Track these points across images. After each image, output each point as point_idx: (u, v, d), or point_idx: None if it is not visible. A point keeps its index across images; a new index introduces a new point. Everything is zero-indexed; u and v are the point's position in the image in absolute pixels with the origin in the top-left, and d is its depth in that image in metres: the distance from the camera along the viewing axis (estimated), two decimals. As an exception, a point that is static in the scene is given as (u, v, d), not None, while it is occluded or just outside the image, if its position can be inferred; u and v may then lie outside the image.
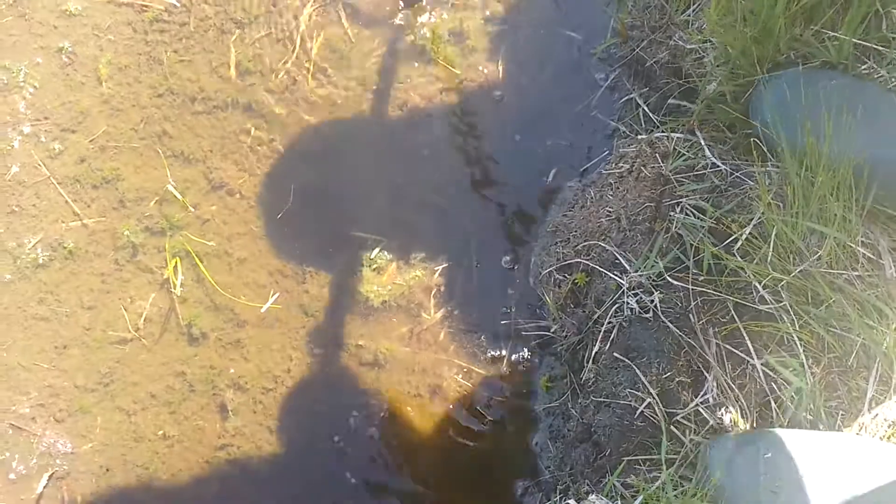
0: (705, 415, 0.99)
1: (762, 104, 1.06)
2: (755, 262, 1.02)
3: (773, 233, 0.99)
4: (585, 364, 1.14)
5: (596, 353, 1.12)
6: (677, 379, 1.02)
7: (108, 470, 1.18)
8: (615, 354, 1.09)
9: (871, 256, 1.00)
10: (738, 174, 1.13)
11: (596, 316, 1.14)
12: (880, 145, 0.96)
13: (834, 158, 0.95)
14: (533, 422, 1.18)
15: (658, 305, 1.07)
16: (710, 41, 1.17)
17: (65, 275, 1.27)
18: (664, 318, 1.06)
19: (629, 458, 1.00)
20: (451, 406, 1.20)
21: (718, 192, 1.14)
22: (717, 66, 1.14)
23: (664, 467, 0.94)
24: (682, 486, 0.93)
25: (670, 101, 1.25)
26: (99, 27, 1.40)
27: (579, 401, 1.13)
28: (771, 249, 1.00)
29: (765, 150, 1.09)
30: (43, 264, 1.28)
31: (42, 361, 1.24)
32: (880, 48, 1.06)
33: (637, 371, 1.04)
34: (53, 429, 1.20)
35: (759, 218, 1.05)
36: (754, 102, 1.08)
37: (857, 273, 0.99)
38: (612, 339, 1.10)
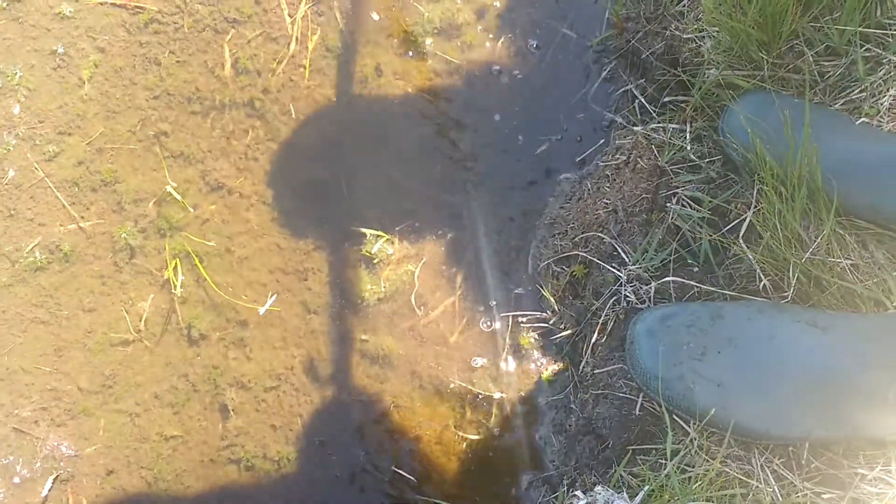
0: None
1: (728, 125, 1.08)
2: (759, 249, 1.03)
3: (776, 217, 1.00)
4: (583, 356, 1.14)
5: (594, 344, 1.12)
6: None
7: (112, 472, 1.18)
8: (612, 345, 1.09)
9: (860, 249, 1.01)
10: (725, 169, 1.14)
11: (594, 308, 1.15)
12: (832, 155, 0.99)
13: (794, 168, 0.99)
14: (536, 415, 1.18)
15: (653, 297, 1.08)
16: (707, 30, 1.17)
17: (64, 278, 1.27)
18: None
19: (633, 447, 1.00)
20: (454, 400, 1.20)
21: (714, 183, 1.15)
22: (717, 53, 1.14)
23: (668, 459, 0.94)
24: (687, 473, 0.94)
25: (666, 91, 1.26)
26: (93, 29, 1.39)
27: (579, 395, 1.14)
28: (780, 232, 1.01)
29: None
30: (41, 268, 1.28)
31: (43, 365, 1.23)
32: (879, 33, 1.07)
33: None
34: (56, 432, 1.20)
35: (757, 207, 1.06)
36: (723, 124, 1.10)
37: (850, 261, 1.00)
38: (609, 331, 1.11)
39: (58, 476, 1.18)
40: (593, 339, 1.12)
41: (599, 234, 1.19)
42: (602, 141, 1.32)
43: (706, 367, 0.94)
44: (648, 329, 0.98)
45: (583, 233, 1.22)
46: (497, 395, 1.20)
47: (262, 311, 1.24)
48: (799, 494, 0.92)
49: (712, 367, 0.94)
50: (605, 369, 1.07)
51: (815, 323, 0.92)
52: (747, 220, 1.06)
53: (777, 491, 0.93)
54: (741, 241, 1.06)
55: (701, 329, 0.96)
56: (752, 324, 0.95)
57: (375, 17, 1.40)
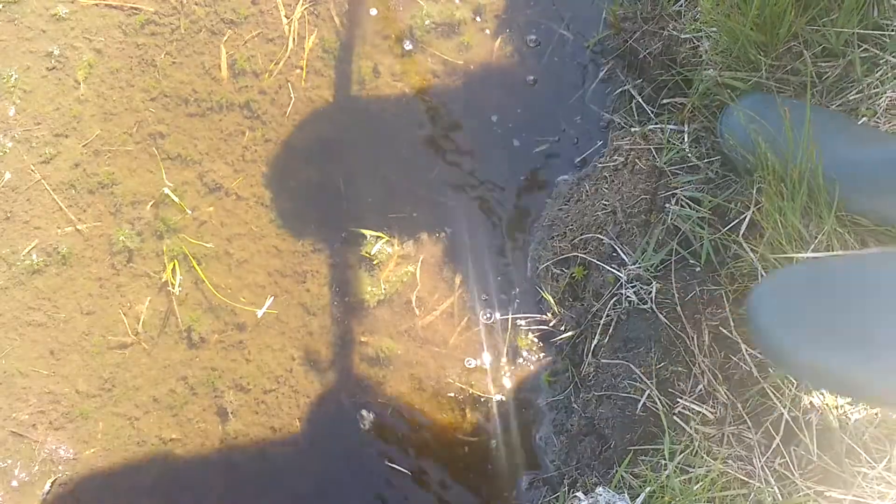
0: (696, 406, 0.99)
1: (727, 125, 1.08)
2: (760, 248, 1.03)
3: (777, 213, 1.00)
4: (585, 357, 1.14)
5: (595, 346, 1.12)
6: (671, 369, 1.03)
7: (111, 475, 1.17)
8: (614, 346, 1.09)
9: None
10: (724, 169, 1.14)
11: (594, 309, 1.15)
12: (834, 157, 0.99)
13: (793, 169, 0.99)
14: (537, 416, 1.18)
15: (654, 297, 1.08)
16: (704, 30, 1.17)
17: (61, 280, 1.26)
18: (659, 311, 1.07)
19: (635, 447, 1.00)
20: (454, 401, 1.20)
21: (713, 183, 1.15)
22: (715, 53, 1.15)
23: (667, 459, 0.94)
24: (689, 474, 0.94)
25: (664, 92, 1.26)
26: (89, 31, 1.39)
27: (581, 395, 1.13)
28: (781, 230, 1.01)
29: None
30: (38, 270, 1.27)
31: (41, 368, 1.23)
32: (876, 34, 1.07)
33: (632, 364, 1.04)
34: (55, 435, 1.19)
35: (758, 206, 1.06)
36: (721, 124, 1.10)
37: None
38: (610, 333, 1.10)
39: (56, 479, 1.17)
40: (595, 341, 1.12)
41: (598, 236, 1.19)
42: (600, 142, 1.32)
43: (849, 322, 0.85)
44: (771, 290, 0.89)
45: (582, 234, 1.22)
46: (497, 397, 1.20)
47: (259, 313, 1.24)
48: (801, 494, 0.92)
49: (857, 321, 0.84)
50: (609, 371, 1.07)
51: None
52: (747, 220, 1.07)
53: (778, 491, 0.93)
54: (741, 239, 1.06)
55: (836, 278, 0.87)
56: (865, 270, 0.87)
57: (373, 12, 1.39)
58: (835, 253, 0.98)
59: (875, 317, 0.83)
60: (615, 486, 0.95)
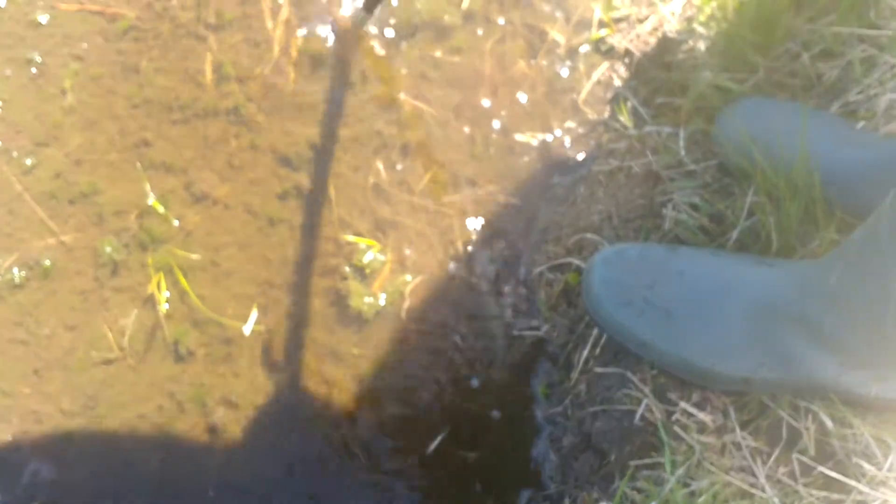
0: (695, 413, 0.98)
1: (721, 130, 1.08)
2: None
3: (784, 217, 1.00)
4: (576, 365, 1.12)
5: (588, 355, 1.11)
6: (665, 377, 1.01)
7: (97, 497, 1.15)
8: (606, 358, 1.08)
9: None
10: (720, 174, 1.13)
11: (588, 318, 1.13)
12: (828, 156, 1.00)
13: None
14: (534, 430, 1.16)
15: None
16: (701, 32, 1.16)
17: (43, 295, 1.23)
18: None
19: (636, 461, 0.98)
20: (449, 416, 1.18)
21: (710, 188, 1.14)
22: (711, 55, 1.14)
23: (668, 471, 0.93)
24: (691, 487, 0.92)
25: (660, 94, 1.25)
26: (69, 37, 1.36)
27: (576, 408, 1.12)
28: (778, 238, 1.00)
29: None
30: (19, 285, 1.24)
31: (23, 386, 1.20)
32: (874, 33, 1.06)
33: (627, 371, 1.03)
34: (38, 456, 1.16)
35: (753, 220, 1.05)
36: (716, 128, 1.09)
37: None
38: (603, 343, 1.09)
39: (41, 503, 1.15)
40: (586, 351, 1.11)
41: (594, 241, 1.17)
42: (594, 144, 1.31)
43: (655, 296, 0.97)
44: (604, 258, 1.01)
45: (577, 239, 1.21)
46: (494, 412, 1.18)
47: (246, 329, 1.21)
48: (804, 502, 0.91)
49: (661, 296, 0.96)
50: (602, 382, 1.06)
51: (762, 260, 0.96)
52: (742, 227, 1.06)
53: (779, 502, 0.91)
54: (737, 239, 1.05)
55: (654, 261, 0.99)
56: (704, 259, 0.98)
57: (360, 14, 1.36)
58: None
59: (678, 296, 0.96)
60: (618, 502, 0.94)
